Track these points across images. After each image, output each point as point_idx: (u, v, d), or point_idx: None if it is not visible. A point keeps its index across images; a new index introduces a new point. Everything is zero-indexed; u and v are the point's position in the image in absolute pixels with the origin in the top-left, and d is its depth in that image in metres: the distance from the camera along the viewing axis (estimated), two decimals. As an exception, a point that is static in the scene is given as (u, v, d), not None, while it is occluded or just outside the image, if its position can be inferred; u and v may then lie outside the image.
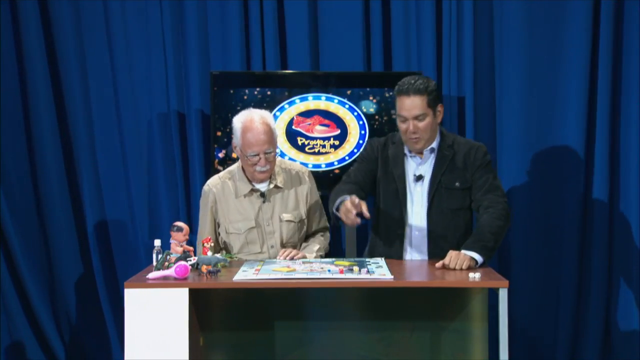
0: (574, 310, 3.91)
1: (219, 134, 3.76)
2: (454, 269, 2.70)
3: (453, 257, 2.73)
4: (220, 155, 3.76)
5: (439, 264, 2.74)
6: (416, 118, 2.92)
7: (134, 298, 2.51)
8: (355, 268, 2.68)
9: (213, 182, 3.15)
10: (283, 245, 3.08)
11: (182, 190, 3.99)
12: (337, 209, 2.83)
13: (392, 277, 2.57)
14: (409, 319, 2.75)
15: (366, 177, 3.07)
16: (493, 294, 2.59)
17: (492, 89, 3.97)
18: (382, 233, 3.08)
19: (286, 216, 3.09)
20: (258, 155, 2.97)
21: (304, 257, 3.00)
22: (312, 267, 2.74)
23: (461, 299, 2.72)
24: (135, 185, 4.03)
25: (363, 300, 2.75)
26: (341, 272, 2.62)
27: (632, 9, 3.82)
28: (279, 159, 3.19)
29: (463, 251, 2.77)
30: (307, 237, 3.19)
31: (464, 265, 2.71)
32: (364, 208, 2.72)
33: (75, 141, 4.01)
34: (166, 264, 2.66)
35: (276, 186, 3.10)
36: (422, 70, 3.86)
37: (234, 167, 3.17)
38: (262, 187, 3.09)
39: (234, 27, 3.93)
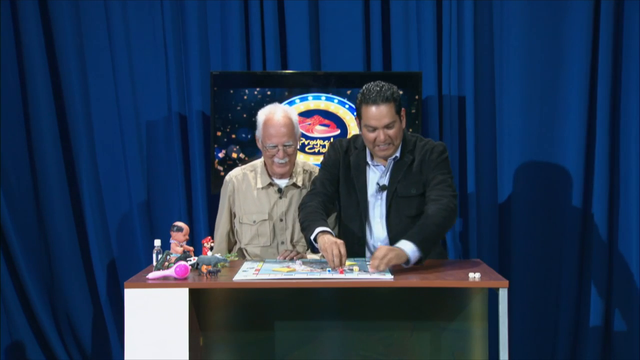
0: (574, 310, 3.92)
1: (219, 134, 3.76)
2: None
3: (377, 261, 2.60)
4: (220, 155, 3.76)
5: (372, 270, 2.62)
6: (386, 126, 2.85)
7: (134, 298, 2.51)
8: (355, 268, 2.68)
9: (234, 172, 3.21)
10: (293, 244, 3.10)
11: (183, 190, 3.99)
12: (314, 238, 2.74)
13: (392, 277, 2.56)
14: (409, 319, 2.75)
15: (332, 185, 3.00)
16: (493, 294, 2.59)
17: (492, 89, 3.97)
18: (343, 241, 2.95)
19: None
20: (277, 147, 3.02)
21: (304, 258, 3.01)
22: (312, 267, 2.74)
23: (461, 299, 2.71)
24: (136, 185, 4.02)
25: (363, 300, 2.74)
26: (341, 272, 2.61)
27: (632, 9, 3.82)
28: (303, 160, 3.24)
29: (402, 242, 2.68)
30: None
31: (389, 263, 2.61)
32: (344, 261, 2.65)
33: (75, 141, 4.01)
34: (166, 264, 2.66)
35: (295, 184, 3.13)
36: (422, 71, 3.86)
37: (258, 161, 3.21)
38: (281, 183, 3.12)
39: (234, 27, 3.93)
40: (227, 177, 3.21)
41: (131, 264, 3.97)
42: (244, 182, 3.15)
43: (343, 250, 2.65)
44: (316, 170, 3.21)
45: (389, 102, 2.84)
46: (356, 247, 2.97)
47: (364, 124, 2.89)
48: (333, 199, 3.02)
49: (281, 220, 3.10)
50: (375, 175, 2.98)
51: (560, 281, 3.94)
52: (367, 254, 2.99)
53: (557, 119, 3.93)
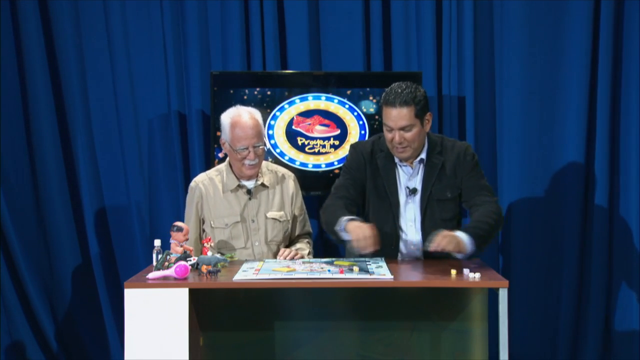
0: (574, 310, 3.91)
1: (219, 134, 3.75)
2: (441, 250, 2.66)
3: (440, 239, 2.66)
4: (220, 155, 3.76)
5: (432, 247, 2.66)
6: (402, 129, 2.85)
7: (134, 298, 2.51)
8: (355, 268, 2.68)
9: (200, 178, 3.19)
10: (267, 244, 3.10)
11: (182, 190, 3.98)
12: (342, 229, 2.76)
13: (392, 277, 2.57)
14: (409, 319, 2.75)
15: (355, 189, 2.98)
16: (493, 294, 2.59)
17: (492, 89, 3.97)
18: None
19: (272, 214, 3.11)
20: (247, 148, 3.02)
21: (303, 257, 3.01)
22: (312, 267, 2.75)
23: (461, 299, 2.72)
24: (135, 185, 4.02)
25: (363, 300, 2.74)
26: (341, 272, 2.61)
27: (632, 9, 3.82)
28: (265, 162, 3.23)
29: (459, 233, 2.72)
30: (292, 241, 3.21)
31: (448, 246, 2.65)
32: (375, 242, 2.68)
33: (75, 141, 4.00)
34: (166, 264, 2.66)
35: (262, 184, 3.13)
36: (422, 71, 3.86)
37: (222, 165, 3.20)
38: (249, 184, 3.12)
39: (234, 27, 3.93)
40: (192, 184, 3.17)
41: (131, 264, 3.97)
42: (211, 187, 3.13)
43: (372, 230, 2.65)
44: (281, 169, 3.23)
45: (408, 105, 2.83)
46: (389, 250, 2.96)
47: (383, 123, 2.91)
48: (356, 202, 2.99)
49: (253, 221, 3.10)
50: (404, 177, 2.97)
51: (560, 281, 3.94)
52: (399, 257, 3.00)
53: (557, 119, 3.93)
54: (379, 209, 2.96)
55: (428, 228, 2.92)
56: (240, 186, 3.11)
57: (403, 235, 2.98)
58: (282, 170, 3.24)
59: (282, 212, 3.14)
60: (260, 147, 3.04)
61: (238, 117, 3.04)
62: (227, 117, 3.07)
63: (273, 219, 3.12)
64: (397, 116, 2.84)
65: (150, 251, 2.79)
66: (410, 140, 2.87)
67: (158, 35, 3.97)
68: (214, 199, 3.11)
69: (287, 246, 3.17)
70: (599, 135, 3.85)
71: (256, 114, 3.08)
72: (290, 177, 3.23)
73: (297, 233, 3.22)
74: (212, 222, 3.11)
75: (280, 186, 3.17)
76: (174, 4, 3.94)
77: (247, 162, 3.03)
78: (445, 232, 2.69)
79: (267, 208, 3.12)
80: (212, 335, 2.75)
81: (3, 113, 3.91)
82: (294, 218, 3.19)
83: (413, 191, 2.96)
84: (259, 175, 3.13)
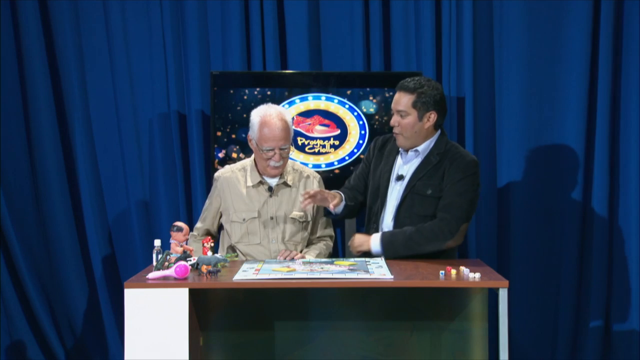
0: (574, 310, 3.92)
1: (219, 134, 3.76)
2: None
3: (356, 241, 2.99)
4: (220, 155, 3.76)
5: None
6: (399, 113, 2.96)
7: (134, 298, 2.51)
8: (355, 268, 2.68)
9: (224, 170, 3.21)
10: (284, 243, 3.09)
11: (182, 190, 3.99)
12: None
13: (392, 277, 2.57)
14: (409, 319, 2.76)
15: (361, 180, 3.16)
16: (493, 294, 2.59)
17: (492, 89, 3.97)
18: (366, 227, 3.16)
19: (292, 214, 3.11)
20: (273, 150, 3.02)
21: (304, 258, 3.01)
22: (312, 267, 2.75)
23: (461, 299, 2.72)
24: (135, 185, 4.03)
25: (363, 300, 2.75)
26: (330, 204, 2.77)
27: (632, 9, 3.82)
28: (292, 161, 3.24)
29: (375, 237, 2.97)
30: (311, 242, 3.21)
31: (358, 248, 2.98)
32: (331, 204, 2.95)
33: (75, 141, 4.00)
34: (166, 264, 2.66)
35: (285, 183, 3.13)
36: (421, 71, 3.86)
37: (247, 160, 3.21)
38: (272, 181, 3.12)
39: (234, 27, 3.93)
40: (216, 175, 3.21)
41: (131, 264, 3.97)
42: (233, 180, 3.15)
43: (323, 194, 2.94)
44: (307, 170, 3.26)
45: (408, 92, 2.96)
46: (372, 225, 3.08)
47: None
48: (357, 191, 3.16)
49: (272, 218, 3.10)
50: (399, 164, 3.07)
51: (560, 281, 3.94)
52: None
53: (556, 119, 3.93)
54: (372, 191, 3.10)
55: (403, 218, 2.97)
56: (262, 182, 3.12)
57: (382, 219, 3.04)
58: (307, 170, 3.25)
59: (302, 213, 3.13)
60: (286, 149, 3.05)
61: (268, 117, 3.03)
62: (256, 116, 3.07)
63: (292, 218, 3.11)
64: (396, 99, 2.99)
65: (150, 251, 2.79)
66: (403, 127, 2.97)
67: (158, 35, 3.97)
68: (234, 193, 3.12)
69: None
70: (599, 135, 3.86)
71: (286, 115, 3.08)
72: (315, 177, 3.23)
73: (317, 234, 3.22)
74: (230, 216, 3.12)
75: (303, 186, 3.17)
76: (174, 4, 3.94)
77: (272, 162, 3.05)
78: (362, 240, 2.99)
79: (287, 207, 3.12)
80: (212, 335, 2.75)
81: (3, 113, 3.91)
82: (315, 219, 3.19)
83: (399, 177, 3.02)
84: (283, 174, 3.13)
